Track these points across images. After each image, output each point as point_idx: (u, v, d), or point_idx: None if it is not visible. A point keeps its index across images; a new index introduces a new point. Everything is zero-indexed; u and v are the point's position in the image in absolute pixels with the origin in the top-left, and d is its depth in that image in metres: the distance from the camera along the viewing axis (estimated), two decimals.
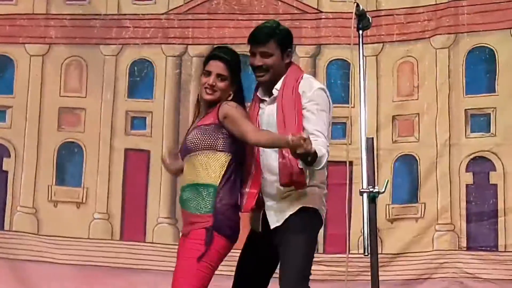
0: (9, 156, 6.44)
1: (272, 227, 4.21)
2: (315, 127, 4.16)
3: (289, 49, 4.35)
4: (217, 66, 4.23)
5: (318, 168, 4.13)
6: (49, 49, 6.54)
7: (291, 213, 4.18)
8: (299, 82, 4.29)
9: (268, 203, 4.27)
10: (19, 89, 6.49)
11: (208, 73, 4.21)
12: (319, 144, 4.04)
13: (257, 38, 4.36)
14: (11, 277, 6.21)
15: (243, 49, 6.11)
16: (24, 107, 6.47)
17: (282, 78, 4.34)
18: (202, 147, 4.15)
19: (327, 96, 4.28)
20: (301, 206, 4.18)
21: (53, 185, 6.40)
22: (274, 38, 4.31)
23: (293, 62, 4.45)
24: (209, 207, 4.06)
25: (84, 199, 6.35)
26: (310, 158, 4.00)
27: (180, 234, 4.17)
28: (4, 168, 6.43)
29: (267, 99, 4.35)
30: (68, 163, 6.44)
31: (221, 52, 4.36)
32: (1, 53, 6.53)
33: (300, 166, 4.08)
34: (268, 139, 4.11)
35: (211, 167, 4.10)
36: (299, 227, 4.18)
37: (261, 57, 4.32)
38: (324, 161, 4.09)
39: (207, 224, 3.99)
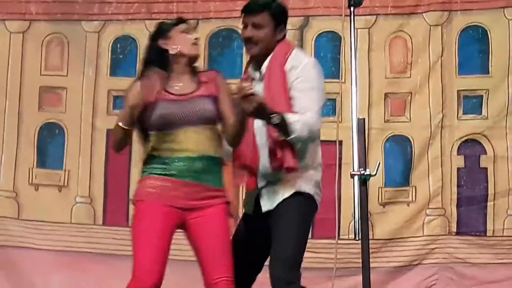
0: None
1: (264, 210, 4.35)
2: (302, 105, 4.26)
3: (283, 24, 4.43)
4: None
5: (292, 137, 4.17)
6: (30, 25, 6.64)
7: (284, 197, 4.30)
8: (287, 58, 4.36)
9: (262, 185, 4.38)
10: None
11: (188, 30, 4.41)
12: (306, 122, 4.18)
13: (250, 7, 4.47)
14: None
15: (228, 23, 6.46)
16: (4, 87, 6.55)
17: (271, 54, 4.41)
18: (218, 119, 4.33)
19: (320, 69, 4.37)
20: (295, 190, 4.28)
21: (34, 168, 6.52)
22: (268, 10, 4.42)
23: (285, 39, 4.48)
24: (222, 181, 4.33)
25: (65, 182, 6.47)
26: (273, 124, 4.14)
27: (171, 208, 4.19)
28: None
29: (256, 76, 4.44)
30: (49, 144, 6.54)
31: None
32: None
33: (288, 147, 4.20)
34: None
35: (221, 140, 4.33)
36: (292, 212, 4.30)
37: (253, 28, 4.41)
38: (299, 130, 4.14)
39: (227, 199, 4.28)
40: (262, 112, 4.17)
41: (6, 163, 6.53)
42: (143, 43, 6.08)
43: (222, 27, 6.55)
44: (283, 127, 4.18)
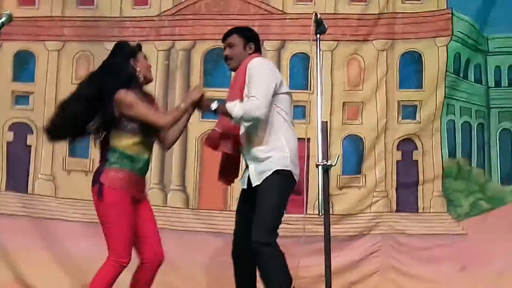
0: (32, 133, 6.98)
1: (253, 185, 4.76)
2: (249, 93, 4.67)
3: (251, 42, 4.96)
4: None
5: (233, 119, 4.61)
6: (64, 45, 7.10)
7: (268, 174, 4.72)
8: (247, 67, 4.80)
9: (250, 165, 4.84)
10: (39, 78, 7.02)
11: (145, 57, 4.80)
12: (243, 105, 4.59)
13: (226, 33, 5.10)
14: (34, 233, 6.73)
15: (220, 44, 5.97)
16: (43, 93, 6.99)
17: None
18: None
19: (264, 64, 4.78)
20: (277, 168, 4.70)
21: (66, 157, 6.96)
22: (237, 31, 5.05)
23: (259, 54, 4.96)
24: None
25: (91, 167, 6.77)
26: (213, 111, 4.64)
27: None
28: (28, 143, 6.96)
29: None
30: None
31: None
32: (25, 48, 7.06)
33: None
34: (178, 112, 4.62)
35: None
36: (273, 185, 4.69)
37: (228, 48, 5.02)
38: (234, 111, 4.57)
39: None
40: (201, 103, 4.69)
41: (45, 153, 6.92)
42: (152, 58, 6.67)
43: (215, 46, 6.86)
44: (225, 113, 4.65)
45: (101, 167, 4.62)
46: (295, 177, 4.70)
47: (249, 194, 4.83)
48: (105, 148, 4.65)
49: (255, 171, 4.78)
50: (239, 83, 4.80)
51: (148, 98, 4.76)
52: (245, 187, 4.90)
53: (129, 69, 4.69)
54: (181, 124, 4.82)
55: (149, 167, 4.83)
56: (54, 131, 4.70)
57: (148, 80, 4.79)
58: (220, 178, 5.07)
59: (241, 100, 4.71)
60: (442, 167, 6.88)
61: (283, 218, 4.83)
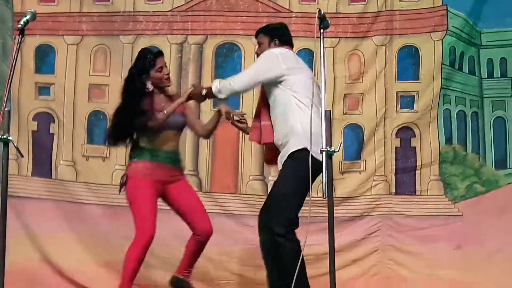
0: (54, 122, 7.07)
1: (279, 169, 4.95)
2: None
3: (276, 38, 5.08)
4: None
5: (221, 97, 4.86)
6: (82, 39, 7.18)
7: (285, 159, 4.86)
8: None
9: (278, 150, 4.97)
10: (59, 70, 7.09)
11: (161, 68, 5.19)
12: (220, 80, 4.84)
13: (255, 33, 5.24)
14: (57, 215, 6.88)
15: (230, 39, 7.09)
16: (63, 84, 7.09)
17: None
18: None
19: (268, 54, 4.88)
20: (292, 150, 4.79)
21: (85, 144, 7.08)
22: (262, 31, 5.19)
23: (286, 46, 5.05)
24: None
25: (108, 154, 7.01)
26: (205, 96, 4.88)
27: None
28: (51, 131, 7.07)
29: None
30: (96, 127, 7.06)
31: (158, 49, 5.30)
32: (45, 42, 7.14)
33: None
34: (171, 108, 4.97)
35: None
36: (291, 170, 4.81)
37: (258, 47, 5.19)
38: (214, 85, 4.83)
39: None
40: (197, 92, 4.98)
41: (66, 140, 7.03)
42: (165, 51, 6.28)
43: (226, 41, 7.06)
44: (211, 94, 4.91)
45: (127, 166, 5.19)
46: (314, 155, 4.50)
47: None
48: (131, 149, 5.23)
49: (279, 157, 4.95)
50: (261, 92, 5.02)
51: (168, 97, 5.22)
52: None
53: (139, 84, 5.14)
54: (212, 122, 5.39)
55: (177, 155, 5.24)
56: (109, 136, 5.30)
57: (164, 87, 5.22)
58: (267, 163, 5.35)
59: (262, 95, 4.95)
60: (439, 152, 6.99)
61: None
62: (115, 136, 5.20)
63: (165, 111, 5.01)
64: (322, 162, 4.14)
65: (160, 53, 5.26)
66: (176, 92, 5.66)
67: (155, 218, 5.01)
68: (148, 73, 5.15)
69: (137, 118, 5.02)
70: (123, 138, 5.20)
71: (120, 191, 5.19)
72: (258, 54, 5.13)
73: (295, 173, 4.75)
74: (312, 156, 4.45)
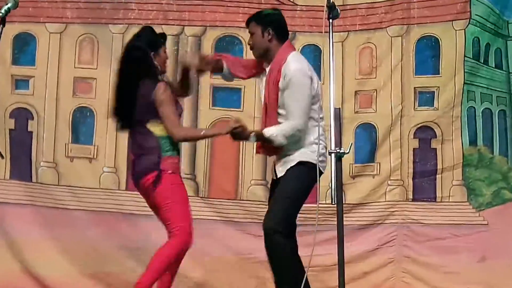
0: (33, 118, 6.62)
1: (278, 176, 4.70)
2: (288, 111, 4.56)
3: (269, 27, 4.64)
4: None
5: (275, 144, 4.53)
6: (66, 27, 6.68)
7: (291, 165, 4.60)
8: (282, 65, 4.57)
9: (276, 158, 4.74)
10: (40, 61, 6.64)
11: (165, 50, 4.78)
12: (281, 133, 4.52)
13: (246, 21, 4.83)
14: (39, 222, 6.46)
15: (230, 31, 6.73)
16: (44, 77, 6.63)
17: (274, 58, 4.63)
18: None
19: (302, 76, 4.55)
20: (299, 160, 4.58)
21: (69, 143, 6.64)
22: (254, 18, 4.75)
23: (288, 43, 4.74)
24: None
25: (95, 155, 6.61)
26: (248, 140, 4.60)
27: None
28: (29, 129, 6.62)
29: (266, 71, 4.71)
30: (82, 124, 6.65)
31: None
32: (25, 30, 6.66)
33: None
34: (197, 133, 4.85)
35: None
36: (294, 176, 4.59)
37: (250, 37, 4.77)
38: (277, 140, 4.51)
39: None
40: (240, 139, 4.69)
41: (47, 139, 6.62)
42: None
43: (226, 34, 6.75)
44: (263, 141, 4.61)
45: (154, 156, 4.66)
46: (322, 169, 4.60)
47: (276, 184, 4.79)
48: (147, 137, 4.69)
49: (282, 163, 4.71)
50: (274, 83, 4.66)
51: (172, 89, 4.79)
52: (274, 177, 4.81)
53: (149, 61, 4.71)
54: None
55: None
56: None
57: (161, 72, 4.81)
58: (257, 151, 5.01)
59: (275, 107, 4.67)
60: (463, 155, 6.67)
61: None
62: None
63: (206, 131, 4.97)
64: (322, 173, 4.39)
65: (165, 36, 4.97)
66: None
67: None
68: (157, 50, 4.73)
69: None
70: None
71: (155, 187, 4.65)
72: (250, 46, 4.77)
73: (300, 178, 4.62)
74: (315, 166, 4.51)
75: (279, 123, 4.64)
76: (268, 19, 4.74)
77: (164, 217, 4.63)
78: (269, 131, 4.55)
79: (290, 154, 4.65)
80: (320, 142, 4.62)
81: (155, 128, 4.66)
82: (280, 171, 4.69)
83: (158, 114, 4.60)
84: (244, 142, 6.39)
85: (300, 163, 4.60)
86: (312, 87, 4.60)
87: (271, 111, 4.70)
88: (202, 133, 4.85)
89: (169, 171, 4.62)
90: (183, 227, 4.58)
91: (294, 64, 4.62)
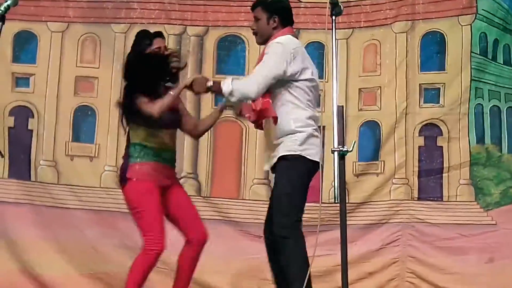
0: (33, 116, 6.37)
1: (264, 169, 4.57)
2: (254, 70, 4.33)
3: (275, 15, 4.41)
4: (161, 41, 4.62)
5: (231, 100, 4.19)
6: (68, 26, 6.46)
7: (274, 161, 4.32)
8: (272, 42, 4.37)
9: (266, 146, 4.50)
10: (41, 59, 6.41)
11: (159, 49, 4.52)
12: (233, 81, 4.17)
13: (252, 6, 4.54)
14: (37, 221, 6.19)
15: (233, 30, 6.47)
16: (45, 75, 6.40)
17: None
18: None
19: (280, 46, 4.28)
20: (281, 155, 4.27)
21: (70, 142, 6.38)
22: (260, 3, 4.47)
23: (290, 27, 4.47)
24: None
25: (96, 153, 6.34)
26: (209, 89, 4.25)
27: None
28: (29, 127, 6.36)
29: None
30: (83, 123, 6.41)
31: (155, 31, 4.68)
32: (26, 29, 6.43)
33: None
34: (169, 98, 4.38)
35: None
36: (283, 171, 4.28)
37: (254, 22, 4.51)
38: (228, 90, 4.13)
39: None
40: (200, 82, 4.32)
41: (47, 138, 6.37)
42: None
43: (229, 33, 6.49)
44: (219, 90, 4.24)
45: (125, 163, 4.58)
46: (309, 158, 4.23)
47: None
48: (127, 144, 4.64)
49: (268, 156, 4.47)
50: (259, 60, 4.44)
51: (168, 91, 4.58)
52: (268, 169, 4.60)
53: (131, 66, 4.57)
54: (211, 119, 4.79)
55: (175, 155, 4.70)
56: None
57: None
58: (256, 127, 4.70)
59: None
60: (470, 153, 6.31)
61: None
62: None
63: (167, 96, 4.40)
64: (317, 161, 4.15)
65: (157, 34, 4.68)
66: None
67: (164, 230, 4.47)
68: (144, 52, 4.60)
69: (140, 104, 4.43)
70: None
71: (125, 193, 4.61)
72: (254, 31, 4.53)
73: (289, 174, 4.29)
74: (304, 158, 4.22)
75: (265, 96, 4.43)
76: (276, 6, 4.51)
77: (137, 226, 4.54)
78: (224, 80, 4.26)
79: (275, 145, 4.37)
80: (301, 129, 4.27)
81: (131, 134, 4.61)
82: (267, 165, 4.50)
83: (137, 118, 4.49)
84: (247, 141, 6.23)
85: (282, 158, 4.31)
86: (292, 62, 4.30)
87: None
88: (171, 95, 4.42)
89: (134, 179, 4.48)
90: (151, 240, 4.41)
91: (280, 39, 4.41)
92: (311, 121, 4.31)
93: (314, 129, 4.30)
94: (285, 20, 4.47)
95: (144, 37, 4.61)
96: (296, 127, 4.27)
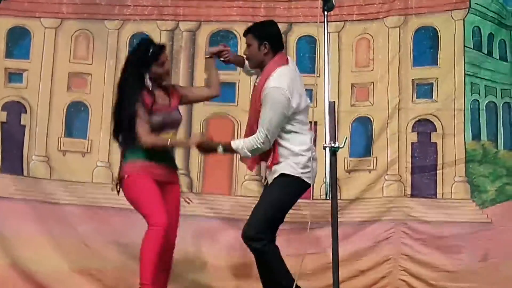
0: (26, 112, 6.06)
1: (269, 183, 4.47)
2: (259, 124, 4.34)
3: (266, 41, 4.43)
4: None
5: (244, 156, 4.36)
6: (61, 22, 6.15)
7: (276, 176, 4.39)
8: (267, 80, 4.36)
9: (268, 168, 4.52)
10: (34, 55, 6.13)
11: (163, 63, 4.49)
12: (246, 146, 4.31)
13: (244, 32, 4.59)
14: (29, 216, 5.87)
15: (225, 25, 6.17)
16: (38, 71, 6.11)
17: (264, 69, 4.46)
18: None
19: (279, 94, 4.28)
20: (281, 172, 4.35)
21: (62, 137, 6.08)
22: (251, 31, 4.53)
23: (281, 53, 4.48)
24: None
25: (88, 149, 6.06)
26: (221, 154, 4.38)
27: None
28: (22, 122, 6.06)
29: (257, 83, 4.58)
30: (76, 119, 6.12)
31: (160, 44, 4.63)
32: (20, 25, 6.12)
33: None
34: (164, 143, 4.45)
35: None
36: (281, 185, 4.37)
37: (246, 48, 4.55)
38: (242, 153, 4.34)
39: None
40: (208, 150, 4.53)
41: (40, 133, 6.06)
42: (155, 38, 5.52)
43: (221, 28, 6.19)
44: (231, 152, 4.47)
45: (120, 167, 4.60)
46: (307, 180, 4.36)
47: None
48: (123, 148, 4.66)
49: (270, 171, 4.47)
50: (258, 100, 4.43)
51: (165, 91, 4.61)
52: (265, 183, 4.65)
53: (138, 78, 4.46)
54: (213, 73, 4.77)
55: (172, 155, 4.76)
56: None
57: (159, 82, 4.54)
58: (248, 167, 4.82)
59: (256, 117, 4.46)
60: (465, 150, 5.92)
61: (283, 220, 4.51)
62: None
63: (167, 140, 4.47)
64: (310, 184, 4.26)
65: (164, 47, 4.63)
66: (170, 84, 4.85)
67: (165, 208, 4.42)
68: (148, 67, 4.49)
69: (128, 135, 4.46)
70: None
71: (118, 192, 4.62)
72: (246, 56, 4.58)
73: (283, 188, 4.36)
74: (303, 181, 4.30)
75: None
76: (266, 33, 4.53)
77: (140, 213, 4.51)
78: (235, 143, 4.45)
79: (278, 163, 4.43)
80: (303, 153, 4.37)
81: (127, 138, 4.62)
82: (270, 179, 4.49)
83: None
84: (238, 137, 5.75)
85: (283, 175, 4.40)
86: (290, 105, 4.36)
87: (251, 123, 4.55)
88: (168, 142, 4.54)
89: (127, 176, 4.52)
90: (155, 221, 4.34)
91: (274, 81, 4.41)
92: (311, 144, 4.45)
93: (314, 153, 4.43)
94: (275, 45, 4.49)
95: (150, 47, 4.48)
96: (300, 150, 4.36)
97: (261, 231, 4.33)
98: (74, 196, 5.97)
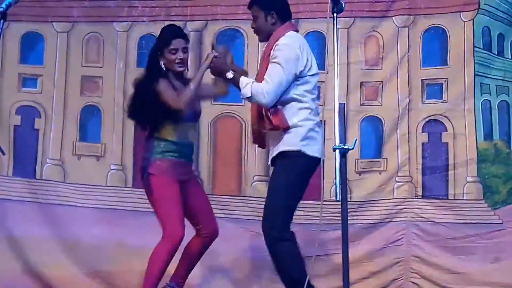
0: (40, 116, 5.82)
1: (269, 163, 4.20)
2: (266, 74, 3.98)
3: (272, 11, 4.08)
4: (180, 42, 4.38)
5: (241, 95, 4.00)
6: (73, 26, 5.90)
7: (274, 155, 4.08)
8: (278, 40, 4.02)
9: (269, 145, 4.22)
10: (48, 60, 5.88)
11: (176, 50, 4.30)
12: (253, 86, 3.93)
13: (248, 4, 4.23)
14: (43, 219, 5.61)
15: (232, 24, 5.95)
16: (52, 76, 5.87)
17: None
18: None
19: (289, 49, 3.98)
20: (281, 150, 4.03)
21: (77, 141, 5.84)
22: (256, 2, 4.15)
23: (290, 22, 4.18)
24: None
25: (102, 153, 5.81)
26: (227, 80, 4.03)
27: None
28: (35, 127, 5.83)
29: None
30: (89, 123, 5.88)
31: (179, 30, 4.46)
32: (33, 30, 5.89)
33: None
34: (192, 87, 4.19)
35: None
36: (280, 169, 4.05)
37: (253, 20, 4.18)
38: (244, 90, 3.93)
39: None
40: (219, 69, 4.10)
41: (54, 137, 5.84)
42: None
43: (228, 27, 5.94)
44: (236, 84, 4.07)
45: (147, 157, 4.35)
46: (309, 154, 3.95)
47: None
48: (149, 138, 4.38)
49: (271, 152, 4.13)
50: (266, 61, 4.05)
51: (185, 84, 4.34)
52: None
53: (154, 63, 4.29)
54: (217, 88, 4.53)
55: (193, 150, 4.54)
56: None
57: (175, 72, 4.29)
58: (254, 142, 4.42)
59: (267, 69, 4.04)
60: (477, 150, 5.56)
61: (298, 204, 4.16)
62: (137, 116, 4.43)
63: (191, 85, 4.20)
64: (318, 158, 3.84)
65: (178, 34, 4.37)
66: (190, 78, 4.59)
67: (183, 219, 4.31)
68: (161, 51, 4.30)
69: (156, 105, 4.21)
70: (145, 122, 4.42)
71: (145, 189, 4.37)
72: (254, 29, 4.17)
73: (287, 172, 3.98)
74: (305, 154, 3.93)
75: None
76: (271, 2, 4.13)
77: (157, 217, 4.37)
78: (244, 78, 4.05)
79: (276, 140, 4.07)
80: (302, 124, 3.99)
81: (159, 131, 4.36)
82: (269, 160, 4.15)
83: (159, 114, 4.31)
84: (246, 137, 5.57)
85: (282, 155, 4.04)
86: (298, 64, 4.03)
87: (260, 81, 4.12)
88: (192, 86, 4.21)
89: (154, 174, 4.31)
90: (171, 230, 4.19)
91: (285, 39, 4.06)
92: (312, 115, 4.09)
93: (315, 123, 4.09)
94: (283, 14, 4.13)
95: (164, 33, 4.35)
96: (298, 121, 4.04)
97: (282, 229, 3.96)
98: (88, 199, 5.67)
